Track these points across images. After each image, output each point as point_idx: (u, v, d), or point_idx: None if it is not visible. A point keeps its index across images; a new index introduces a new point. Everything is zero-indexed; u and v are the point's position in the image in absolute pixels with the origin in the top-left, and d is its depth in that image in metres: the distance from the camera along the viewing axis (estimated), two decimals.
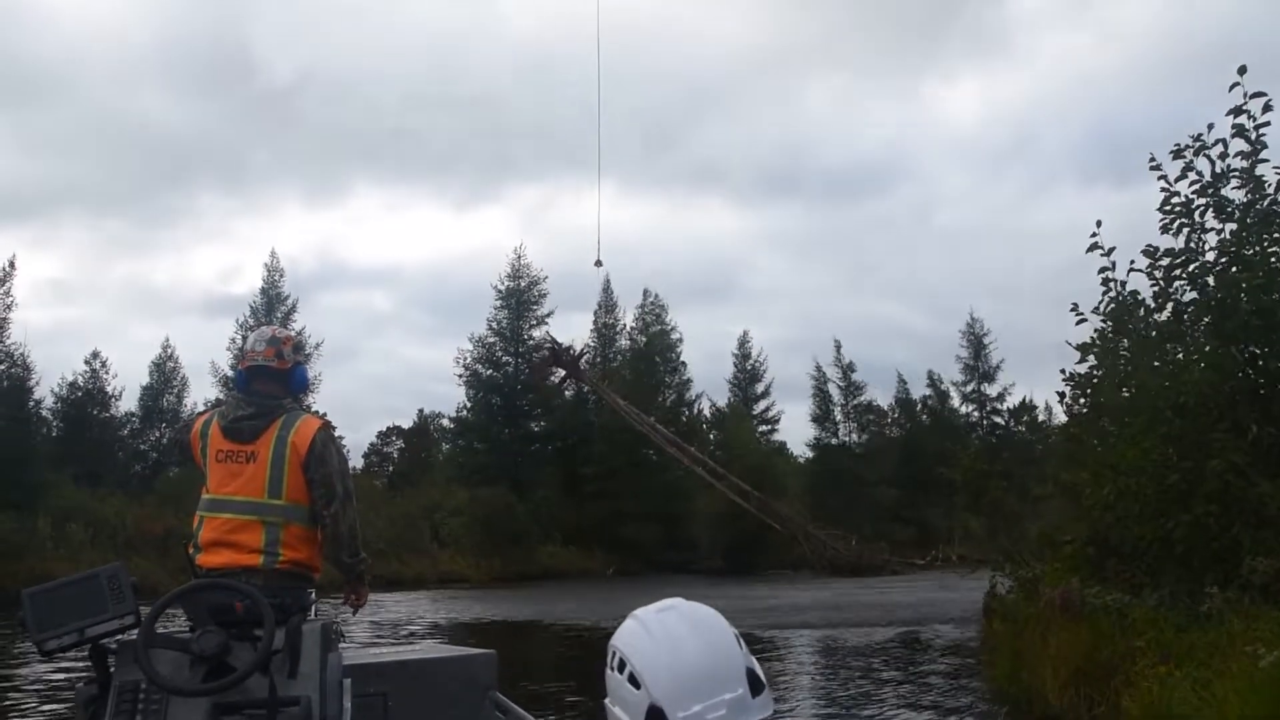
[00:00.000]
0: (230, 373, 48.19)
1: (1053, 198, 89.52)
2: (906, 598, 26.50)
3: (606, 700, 1.59)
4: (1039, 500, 14.70)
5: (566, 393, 50.05)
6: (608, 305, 54.83)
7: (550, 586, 33.90)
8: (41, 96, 73.21)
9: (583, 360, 48.73)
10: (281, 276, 50.12)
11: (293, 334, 4.20)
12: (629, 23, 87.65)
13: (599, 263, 38.70)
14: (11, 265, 40.79)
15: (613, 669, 1.56)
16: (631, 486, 44.75)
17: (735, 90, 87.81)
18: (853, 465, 51.93)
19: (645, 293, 55.40)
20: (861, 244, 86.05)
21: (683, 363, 54.61)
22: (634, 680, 1.51)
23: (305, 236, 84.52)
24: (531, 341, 51.65)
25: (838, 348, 56.07)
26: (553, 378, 47.78)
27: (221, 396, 46.41)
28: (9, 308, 40.67)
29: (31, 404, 42.43)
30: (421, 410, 67.33)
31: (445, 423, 56.92)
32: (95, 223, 78.79)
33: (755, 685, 1.52)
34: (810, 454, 55.50)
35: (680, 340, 54.77)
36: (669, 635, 1.53)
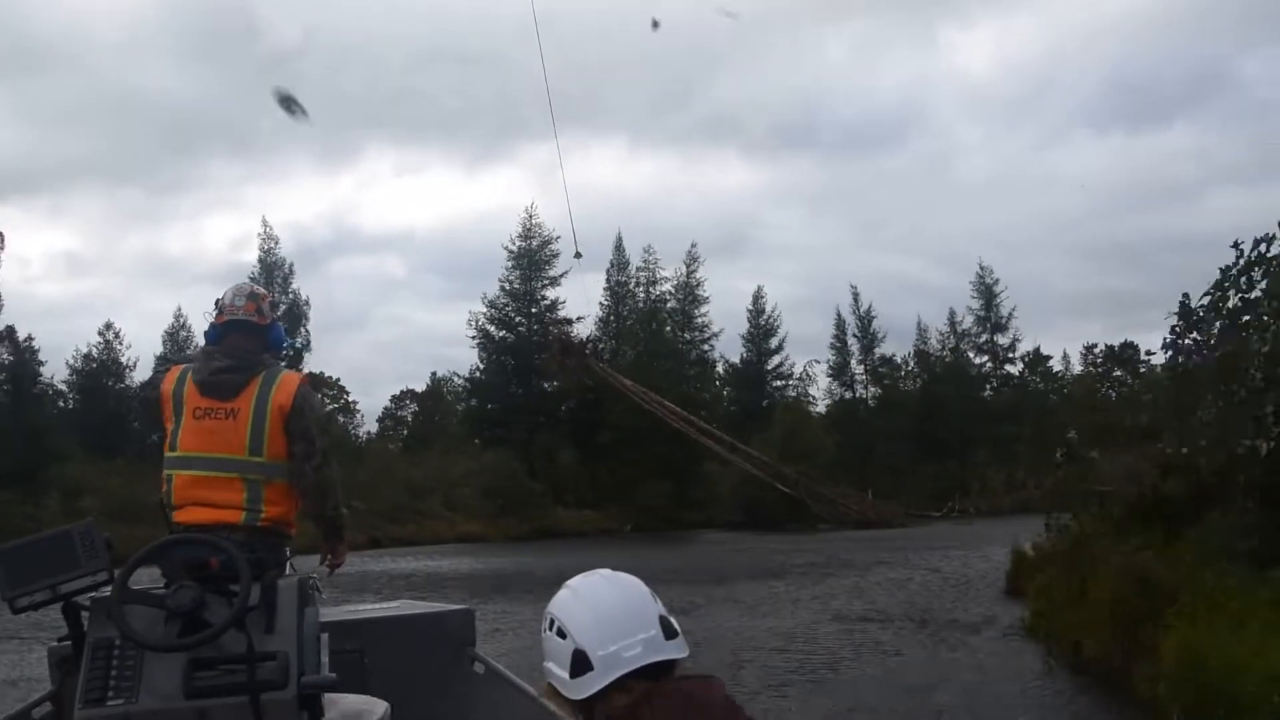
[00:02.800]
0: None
1: (1067, 146, 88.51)
2: (927, 551, 26.50)
3: (544, 661, 1.79)
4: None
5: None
6: (619, 264, 54.65)
7: (565, 545, 34.10)
8: (48, 68, 73.08)
9: (589, 348, 49.04)
10: (277, 244, 50.51)
11: (269, 292, 4.07)
12: None
13: (578, 255, 38.66)
14: None
15: (545, 630, 1.79)
16: (647, 446, 44.84)
17: (749, 41, 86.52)
18: (869, 419, 51.89)
19: (647, 249, 55.03)
20: (875, 198, 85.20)
21: (707, 322, 54.42)
22: (561, 632, 1.74)
23: (316, 203, 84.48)
24: (545, 301, 51.86)
25: (855, 297, 55.83)
26: (566, 368, 47.92)
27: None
28: None
29: (41, 379, 42.62)
30: (434, 373, 67.49)
31: (458, 382, 57.12)
32: (106, 194, 78.87)
33: (669, 630, 1.74)
34: (825, 407, 55.54)
35: (708, 298, 54.57)
36: (591, 592, 1.78)
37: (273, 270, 49.51)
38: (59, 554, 3.24)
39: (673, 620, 1.76)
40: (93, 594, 3.27)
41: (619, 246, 54.46)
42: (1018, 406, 52.90)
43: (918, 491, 47.46)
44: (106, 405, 47.63)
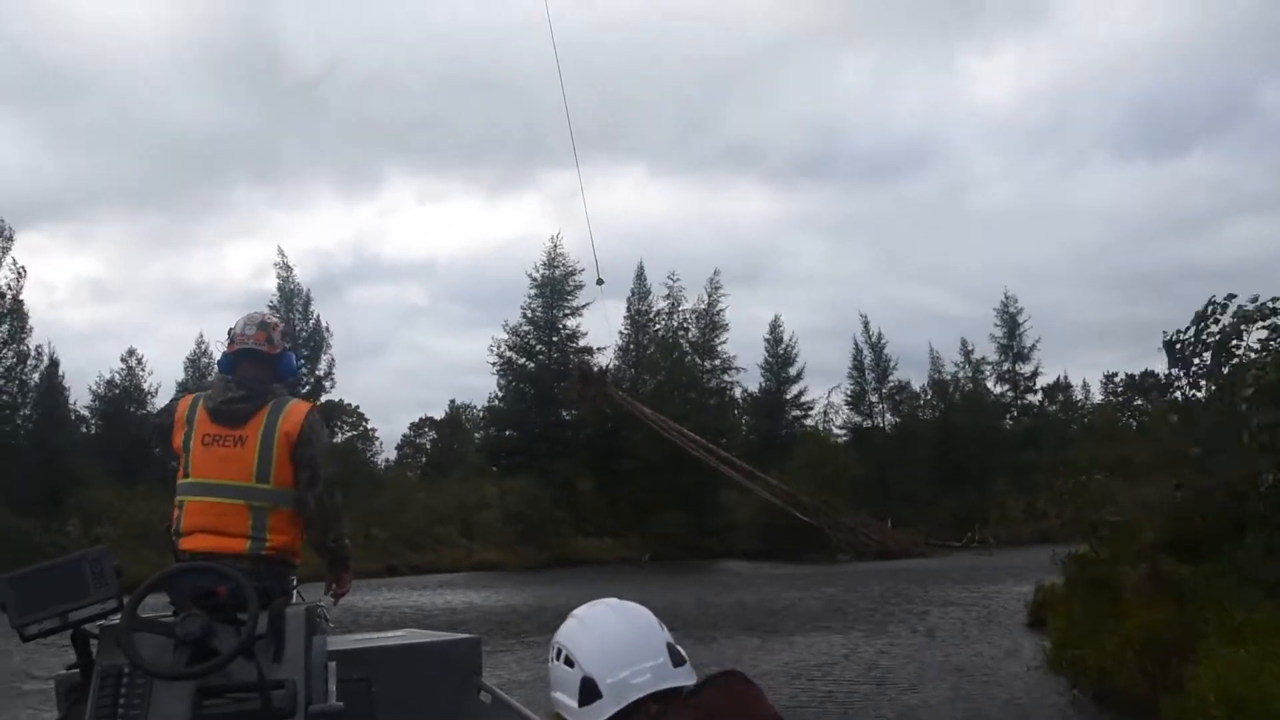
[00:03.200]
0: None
1: (1088, 175, 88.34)
2: (949, 583, 26.26)
3: (551, 692, 1.80)
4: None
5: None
6: (640, 292, 54.54)
7: (583, 574, 33.96)
8: (74, 96, 74.13)
9: (608, 376, 48.85)
10: (293, 272, 50.79)
11: (280, 321, 4.11)
12: (657, 2, 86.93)
13: (600, 281, 38.76)
14: (22, 270, 41.53)
15: (553, 659, 1.79)
16: (666, 474, 44.71)
17: (768, 70, 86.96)
18: (887, 448, 51.57)
19: (672, 275, 54.81)
20: (894, 227, 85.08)
21: (728, 352, 54.33)
22: (569, 661, 1.75)
23: (339, 230, 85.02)
24: (566, 331, 51.84)
25: (865, 325, 55.72)
26: (586, 396, 47.93)
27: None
28: (22, 307, 41.22)
29: (66, 405, 43.10)
30: (453, 401, 67.69)
31: (477, 412, 57.17)
32: (131, 220, 79.64)
33: (676, 658, 1.74)
34: (844, 437, 55.25)
35: (728, 325, 54.42)
36: (598, 621, 1.78)
37: (292, 298, 49.86)
38: (69, 582, 3.25)
39: (679, 648, 1.76)
40: (101, 622, 3.29)
41: (640, 275, 54.42)
42: (1037, 435, 52.48)
43: (937, 521, 47.02)
44: (129, 431, 47.99)
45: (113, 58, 79.12)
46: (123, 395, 49.21)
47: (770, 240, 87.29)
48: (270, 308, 49.02)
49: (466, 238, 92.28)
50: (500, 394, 52.45)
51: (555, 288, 52.08)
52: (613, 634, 1.74)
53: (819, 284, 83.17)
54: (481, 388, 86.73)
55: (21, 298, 41.68)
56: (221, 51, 78.24)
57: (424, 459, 64.83)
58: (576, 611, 1.83)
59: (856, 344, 55.48)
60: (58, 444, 39.34)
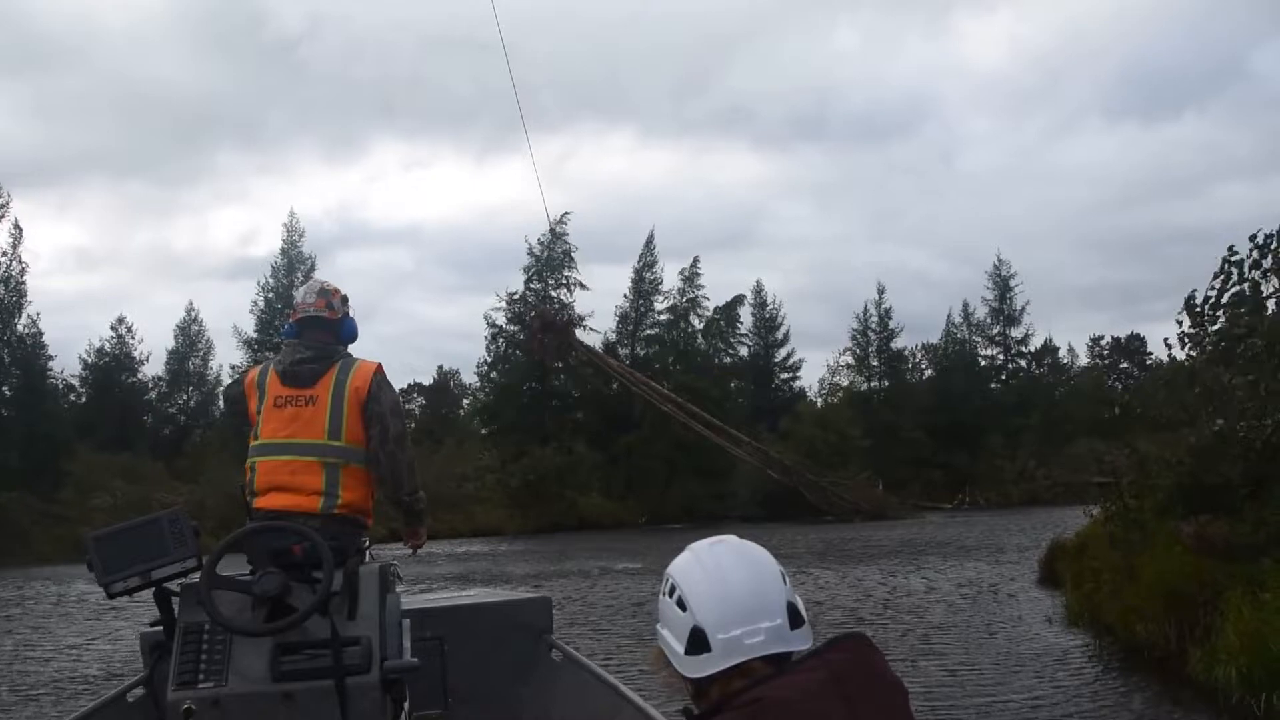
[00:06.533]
0: (254, 334, 48.44)
1: (1079, 137, 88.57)
2: (949, 544, 26.67)
3: (658, 625, 1.71)
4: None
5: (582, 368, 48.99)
6: (648, 261, 53.92)
7: (584, 537, 34.26)
8: (56, 63, 72.92)
9: (571, 325, 47.63)
10: (302, 237, 50.35)
11: (340, 288, 4.21)
12: None
13: (552, 227, 37.44)
14: (18, 228, 40.73)
15: (664, 594, 1.68)
16: (666, 438, 44.84)
17: (762, 31, 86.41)
18: (883, 411, 51.94)
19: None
20: (884, 189, 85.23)
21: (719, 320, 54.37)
22: (681, 604, 1.64)
23: (324, 196, 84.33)
24: (559, 302, 51.43)
25: (881, 292, 55.86)
26: (546, 345, 46.62)
27: (246, 359, 47.12)
28: (21, 274, 40.54)
29: (51, 373, 42.61)
30: (441, 367, 67.65)
31: (468, 378, 57.05)
32: (115, 187, 78.76)
33: (795, 619, 1.62)
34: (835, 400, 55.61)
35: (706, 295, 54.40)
36: (718, 565, 1.65)
37: (295, 264, 49.40)
38: (149, 541, 3.35)
39: (800, 607, 1.65)
40: (182, 580, 3.40)
41: (650, 243, 53.84)
42: (1027, 398, 53.04)
43: (930, 483, 47.62)
44: (119, 399, 47.71)
45: (93, 22, 77.82)
46: (113, 363, 48.95)
47: (760, 203, 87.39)
48: (273, 267, 48.79)
49: (453, 202, 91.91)
50: (489, 359, 52.10)
51: (550, 256, 51.49)
52: (733, 584, 1.62)
53: (807, 246, 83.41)
54: (469, 354, 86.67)
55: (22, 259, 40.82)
56: (202, 12, 77.04)
57: (413, 425, 64.79)
58: (695, 546, 1.70)
59: (865, 307, 55.76)
60: (42, 413, 38.95)
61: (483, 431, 52.12)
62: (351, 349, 4.12)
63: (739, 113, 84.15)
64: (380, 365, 4.02)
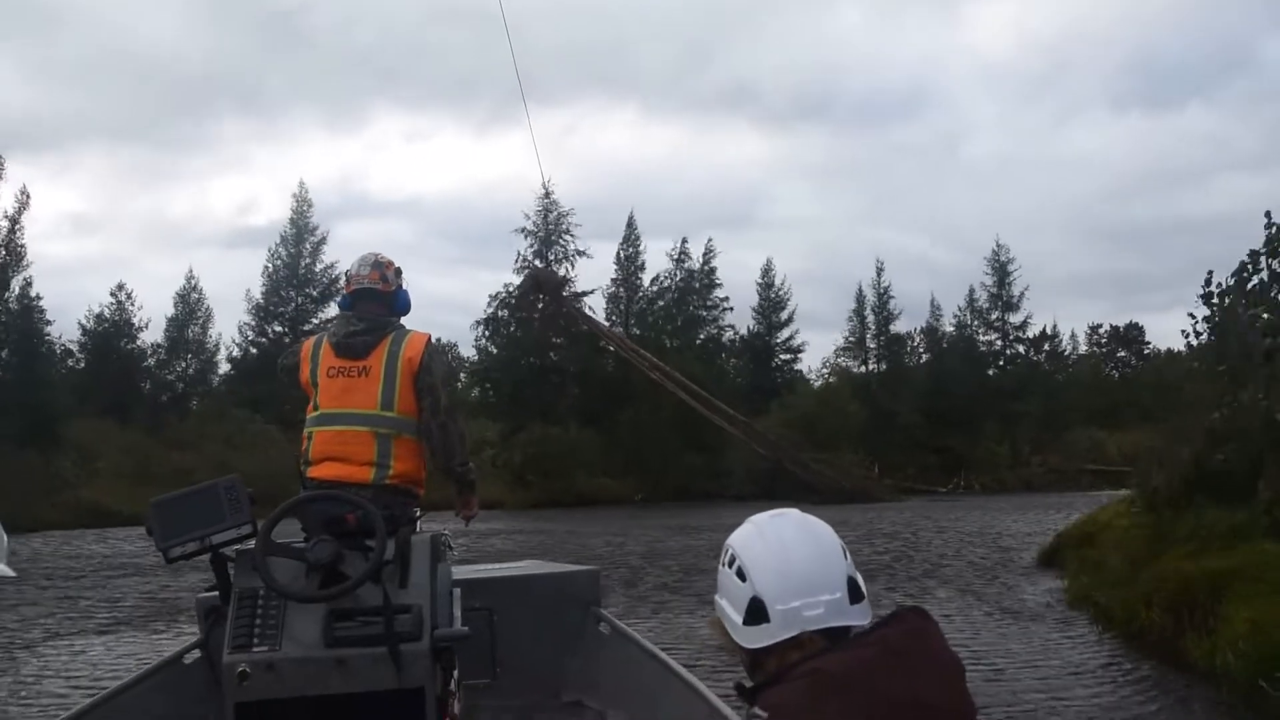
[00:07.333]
0: (260, 299, 48.40)
1: (1082, 125, 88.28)
2: (943, 528, 26.76)
3: (716, 595, 1.73)
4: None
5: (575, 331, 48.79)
6: (631, 239, 53.91)
7: (585, 513, 34.38)
8: (53, 26, 72.21)
9: (566, 286, 47.56)
10: (310, 207, 50.11)
11: (393, 260, 4.27)
12: None
13: (546, 190, 37.16)
14: (25, 194, 40.32)
15: (724, 565, 1.70)
16: (660, 413, 44.88)
17: (767, 9, 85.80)
18: (880, 393, 52.02)
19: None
20: (887, 173, 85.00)
21: (720, 297, 54.47)
22: (741, 574, 1.66)
23: (325, 166, 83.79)
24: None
25: (879, 273, 55.80)
26: (537, 307, 46.61)
27: (252, 323, 47.36)
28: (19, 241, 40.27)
29: (49, 338, 42.43)
30: (439, 339, 67.20)
31: (466, 351, 56.86)
32: (113, 152, 78.29)
33: (855, 594, 1.64)
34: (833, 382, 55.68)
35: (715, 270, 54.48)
36: (779, 537, 1.67)
37: (303, 235, 49.25)
38: (206, 508, 3.41)
39: (860, 582, 1.66)
40: (237, 546, 3.46)
41: (631, 223, 53.80)
42: (1025, 384, 53.15)
43: (925, 466, 47.77)
44: (118, 365, 47.59)
45: None
46: (112, 330, 48.79)
47: (761, 183, 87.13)
48: (282, 237, 48.64)
49: (454, 174, 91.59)
50: (487, 335, 51.90)
51: (548, 232, 51.08)
52: (794, 556, 1.63)
53: (807, 227, 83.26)
54: (467, 327, 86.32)
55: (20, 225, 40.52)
56: None
57: None
58: (756, 519, 1.73)
59: (861, 290, 55.73)
60: (39, 378, 38.84)
61: (474, 396, 51.64)
62: (404, 320, 4.17)
63: (744, 92, 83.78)
64: (431, 336, 4.08)
